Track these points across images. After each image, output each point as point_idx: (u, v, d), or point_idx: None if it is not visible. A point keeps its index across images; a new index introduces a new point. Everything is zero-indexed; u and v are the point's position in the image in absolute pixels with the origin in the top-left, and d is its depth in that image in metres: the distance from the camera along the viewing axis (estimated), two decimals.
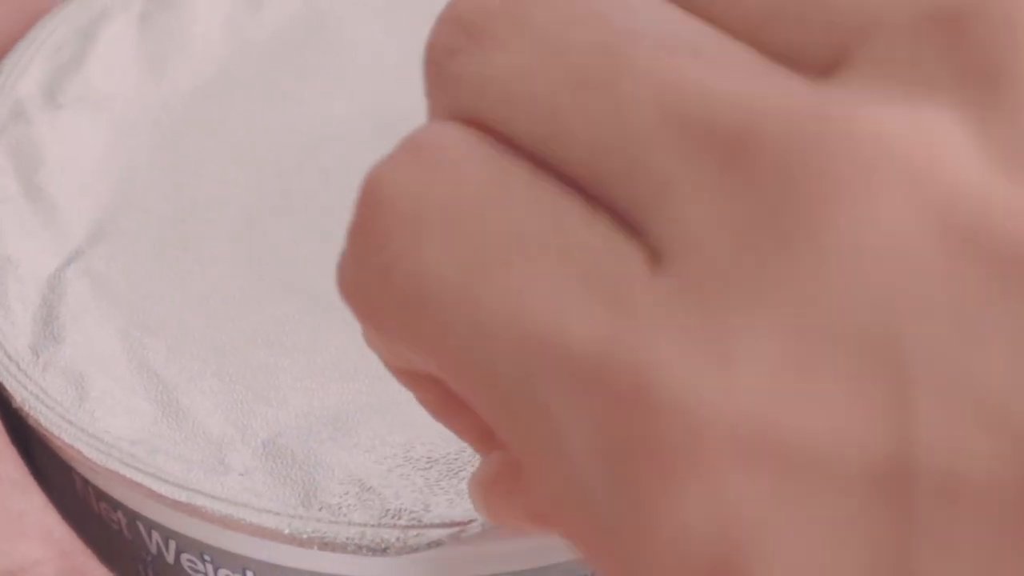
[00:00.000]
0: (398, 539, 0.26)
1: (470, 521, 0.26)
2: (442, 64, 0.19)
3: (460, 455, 0.27)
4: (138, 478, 0.27)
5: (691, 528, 0.16)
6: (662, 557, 0.16)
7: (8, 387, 0.28)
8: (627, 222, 0.17)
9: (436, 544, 0.26)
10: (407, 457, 0.27)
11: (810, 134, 0.16)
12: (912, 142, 0.16)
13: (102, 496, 0.29)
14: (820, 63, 0.17)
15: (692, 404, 0.16)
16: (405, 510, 0.26)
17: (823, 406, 0.16)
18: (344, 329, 0.30)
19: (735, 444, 0.16)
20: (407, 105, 0.34)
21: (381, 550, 0.26)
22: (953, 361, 0.15)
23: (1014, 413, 0.15)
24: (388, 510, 0.27)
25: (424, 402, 0.21)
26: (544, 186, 0.18)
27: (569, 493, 0.17)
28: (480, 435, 0.21)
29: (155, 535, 0.28)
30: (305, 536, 0.26)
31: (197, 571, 0.28)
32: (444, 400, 0.20)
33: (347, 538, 0.26)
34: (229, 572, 0.28)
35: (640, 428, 0.16)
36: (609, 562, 0.17)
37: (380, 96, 0.34)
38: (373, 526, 0.26)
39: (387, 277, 0.18)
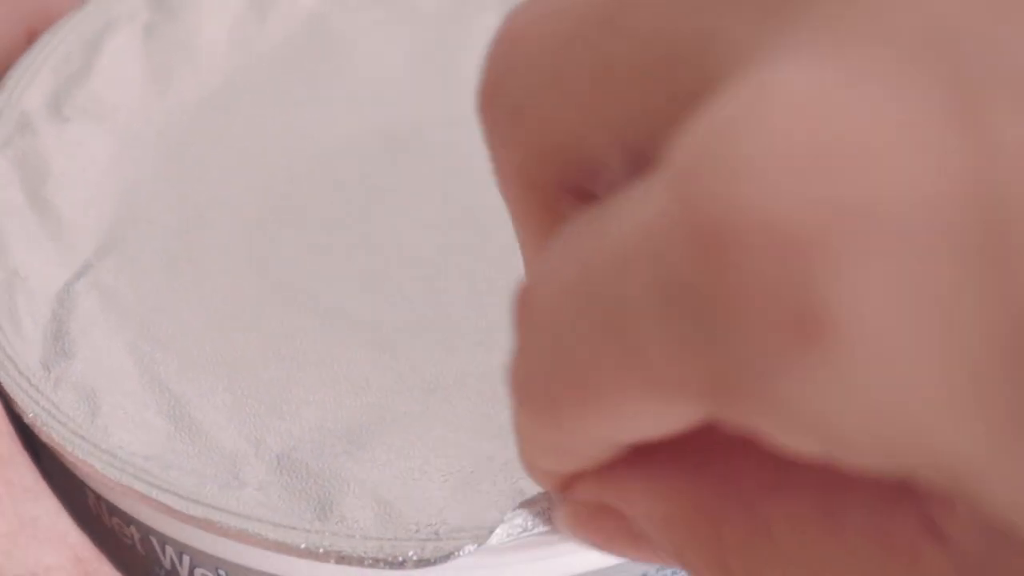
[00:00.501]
0: (415, 552, 0.26)
1: (487, 533, 0.26)
2: (492, 103, 0.19)
3: (476, 468, 0.27)
4: (152, 493, 0.27)
5: (762, 295, 0.15)
6: (746, 339, 0.15)
7: (20, 402, 0.28)
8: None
9: (453, 556, 0.26)
10: (423, 470, 0.27)
11: None
12: None
13: (115, 511, 0.28)
14: None
15: (725, 164, 0.15)
16: (422, 523, 0.26)
17: (877, 127, 0.15)
18: (356, 341, 0.30)
19: (781, 189, 0.15)
20: (410, 113, 0.34)
21: (398, 563, 0.26)
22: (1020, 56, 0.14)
23: None
24: (405, 523, 0.26)
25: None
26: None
27: (677, 350, 0.16)
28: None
29: (169, 550, 0.28)
30: (321, 550, 0.26)
31: None
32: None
33: (364, 552, 0.26)
34: None
35: (682, 223, 0.16)
36: (712, 384, 0.16)
37: (384, 106, 0.34)
38: (390, 539, 0.26)
39: (539, 331, 0.18)
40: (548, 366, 0.18)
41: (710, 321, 0.16)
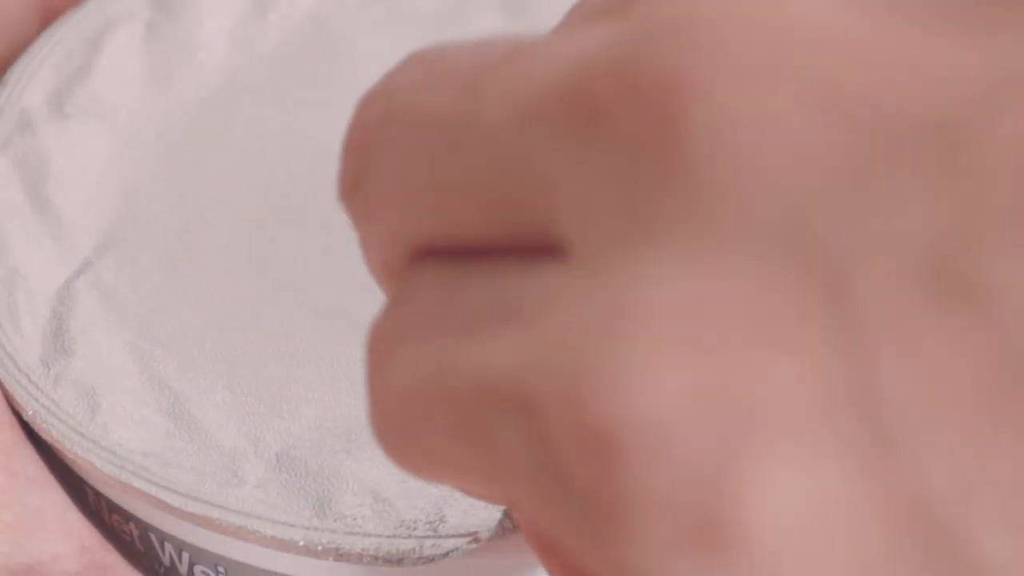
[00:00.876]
0: (413, 550, 0.26)
1: (485, 531, 0.26)
2: (351, 197, 0.19)
3: None
4: (151, 490, 0.27)
5: (660, 504, 0.15)
6: (643, 539, 0.15)
7: (19, 400, 0.28)
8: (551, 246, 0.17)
9: (452, 554, 0.26)
10: None
11: (632, 54, 0.16)
12: (750, 9, 0.15)
13: (114, 508, 0.29)
14: None
15: (609, 384, 0.15)
16: (420, 521, 0.26)
17: (748, 327, 0.15)
18: (355, 339, 0.30)
19: (667, 409, 0.15)
20: None
21: (396, 561, 0.26)
22: (877, 233, 0.14)
23: (953, 264, 0.14)
24: (403, 521, 0.27)
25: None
26: (483, 272, 0.18)
27: (547, 512, 0.17)
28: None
29: (168, 547, 0.28)
30: (320, 548, 0.26)
31: None
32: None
33: (362, 549, 0.26)
34: None
35: (571, 431, 0.15)
36: (605, 565, 0.16)
37: None
38: (388, 537, 0.26)
39: (387, 402, 0.18)
40: (399, 434, 0.18)
41: (592, 511, 0.16)
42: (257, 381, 0.29)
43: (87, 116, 0.33)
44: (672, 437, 0.15)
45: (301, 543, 0.26)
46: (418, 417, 0.18)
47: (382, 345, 0.18)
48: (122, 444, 0.28)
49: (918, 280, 0.14)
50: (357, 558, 0.26)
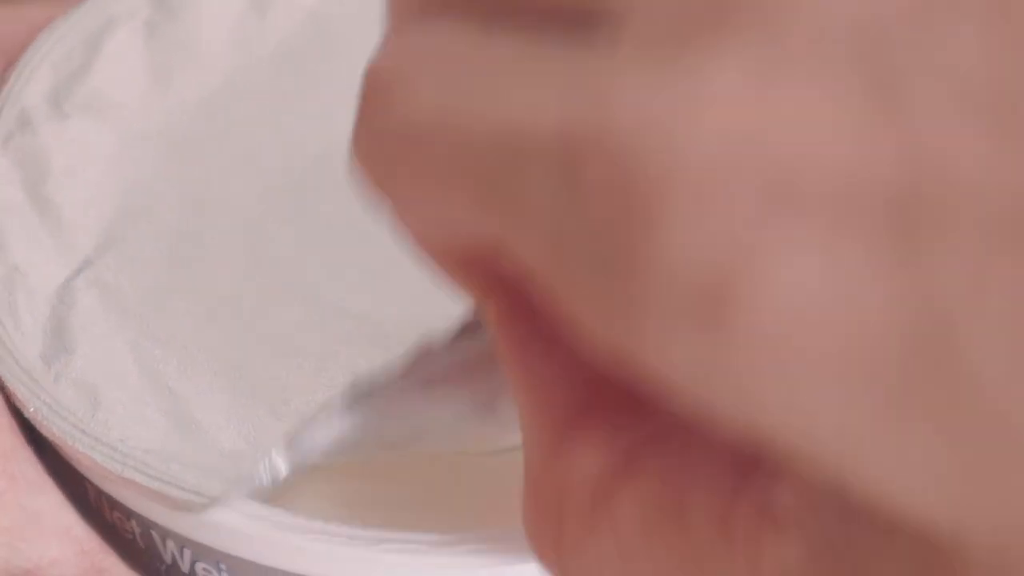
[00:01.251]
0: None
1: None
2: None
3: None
4: (153, 486, 0.27)
5: (679, 262, 0.16)
6: (654, 295, 0.16)
7: (21, 397, 0.29)
8: (590, 19, 0.17)
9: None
10: None
11: None
12: None
13: (116, 505, 0.29)
14: None
15: (661, 139, 0.16)
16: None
17: (807, 114, 0.15)
18: (356, 339, 0.30)
19: (714, 168, 0.15)
20: None
21: None
22: (936, 61, 0.15)
23: (1004, 93, 0.15)
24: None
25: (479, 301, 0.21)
26: (507, 27, 0.18)
27: (559, 262, 0.17)
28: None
29: (169, 543, 0.28)
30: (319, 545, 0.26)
31: None
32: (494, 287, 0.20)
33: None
34: None
35: (611, 181, 0.16)
36: (606, 320, 0.17)
37: None
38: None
39: (390, 131, 0.19)
40: (396, 158, 0.18)
41: (611, 266, 0.16)
42: (256, 382, 0.29)
43: (87, 115, 0.33)
44: (708, 195, 0.15)
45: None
46: (423, 146, 0.18)
47: (390, 74, 0.19)
48: (124, 440, 0.28)
49: (970, 102, 0.15)
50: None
